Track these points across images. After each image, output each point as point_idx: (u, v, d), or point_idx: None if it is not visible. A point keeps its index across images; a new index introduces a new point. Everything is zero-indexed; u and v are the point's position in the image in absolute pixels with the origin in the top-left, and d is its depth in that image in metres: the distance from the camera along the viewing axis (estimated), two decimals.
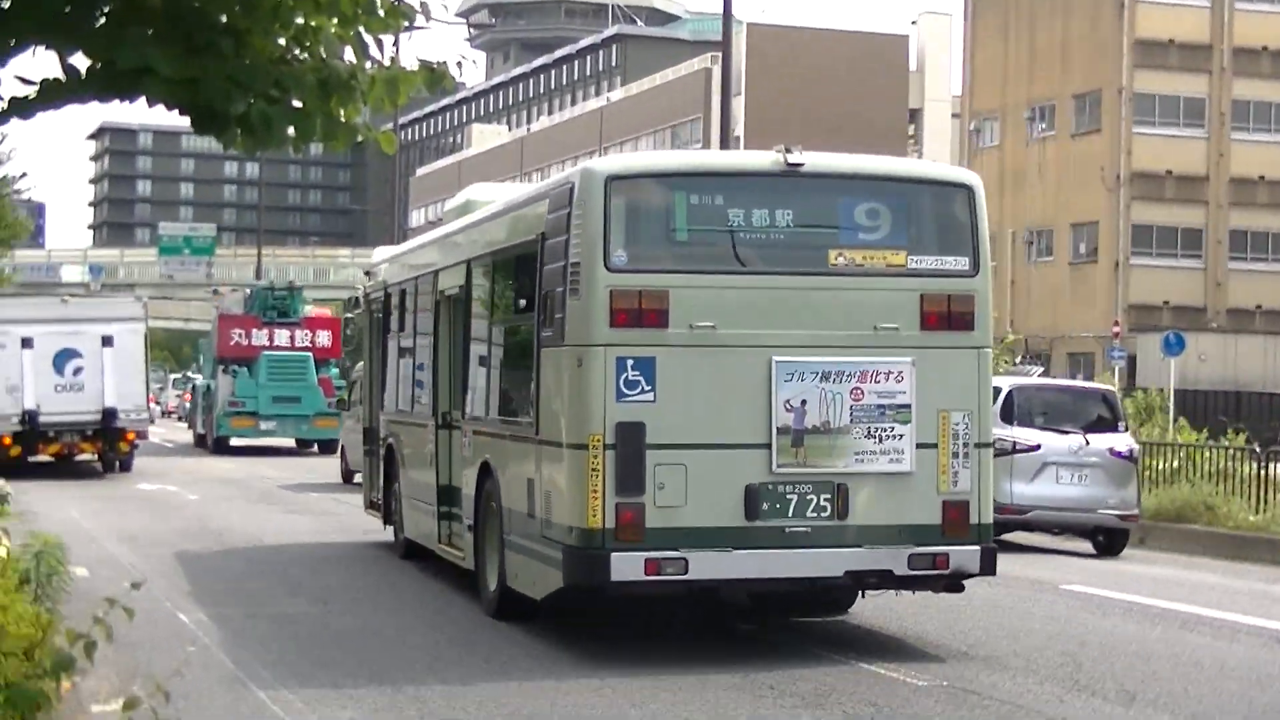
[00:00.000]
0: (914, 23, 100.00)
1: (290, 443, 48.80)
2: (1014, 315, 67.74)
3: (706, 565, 12.47)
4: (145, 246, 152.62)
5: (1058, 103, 70.23)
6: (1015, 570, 19.51)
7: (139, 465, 37.56)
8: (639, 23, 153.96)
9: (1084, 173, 68.18)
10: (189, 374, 74.91)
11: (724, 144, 34.49)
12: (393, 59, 8.12)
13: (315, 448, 47.33)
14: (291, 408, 46.48)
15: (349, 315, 29.69)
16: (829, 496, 12.70)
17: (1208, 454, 26.03)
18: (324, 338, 47.81)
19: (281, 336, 48.04)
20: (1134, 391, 40.39)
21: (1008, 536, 22.79)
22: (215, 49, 7.48)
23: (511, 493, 14.29)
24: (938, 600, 15.97)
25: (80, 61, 7.62)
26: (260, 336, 47.87)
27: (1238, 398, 53.47)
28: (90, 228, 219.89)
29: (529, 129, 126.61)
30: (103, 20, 7.59)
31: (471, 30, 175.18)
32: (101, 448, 36.25)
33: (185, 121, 7.99)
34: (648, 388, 12.43)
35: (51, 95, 7.67)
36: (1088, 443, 22.42)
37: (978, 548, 13.03)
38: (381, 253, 23.90)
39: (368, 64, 7.95)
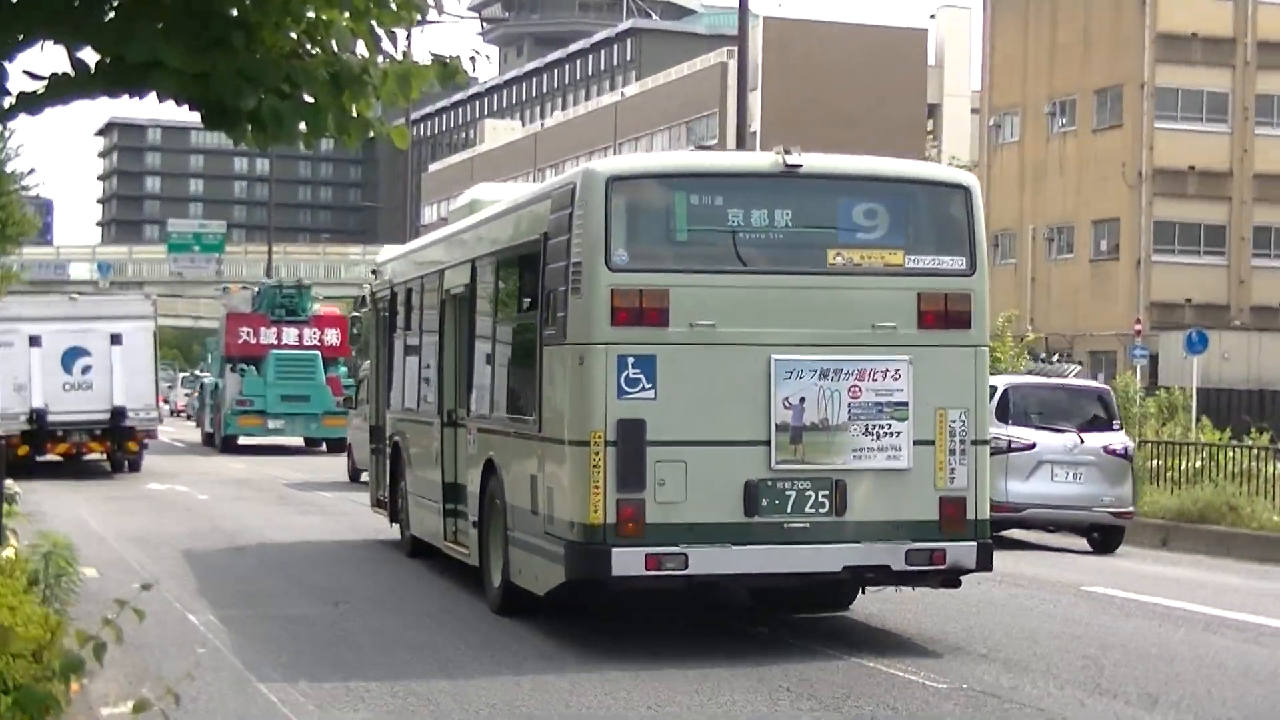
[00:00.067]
0: (932, 16, 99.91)
1: (299, 441, 48.96)
2: (1034, 313, 67.68)
3: (706, 560, 12.78)
4: (154, 244, 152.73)
5: (1079, 97, 70.12)
6: (1036, 571, 19.52)
7: (148, 465, 37.63)
8: (654, 17, 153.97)
9: (1105, 168, 68.07)
10: (197, 372, 74.96)
11: (740, 139, 34.47)
12: (405, 53, 8.12)
13: (324, 446, 47.46)
14: (300, 406, 46.61)
15: (356, 314, 29.89)
16: (827, 493, 13.01)
17: (1231, 454, 26.00)
18: (332, 336, 47.90)
19: (290, 335, 48.17)
20: (1156, 390, 40.33)
21: (1011, 534, 23.23)
22: (226, 43, 7.47)
23: (515, 489, 14.60)
24: (956, 602, 16.00)
25: (89, 56, 7.63)
26: (268, 335, 48.01)
27: (1261, 397, 53.30)
28: (99, 225, 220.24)
29: (542, 124, 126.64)
30: (112, 14, 7.59)
31: (484, 24, 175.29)
32: (110, 447, 36.31)
33: (195, 117, 7.99)
34: (648, 385, 12.75)
35: (60, 90, 7.67)
36: (1082, 441, 22.84)
37: (974, 544, 13.33)
38: (388, 252, 24.25)
39: (380, 58, 7.94)
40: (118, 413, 35.54)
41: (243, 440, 48.21)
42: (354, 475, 34.06)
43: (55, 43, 7.63)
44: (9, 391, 35.10)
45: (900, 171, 14.23)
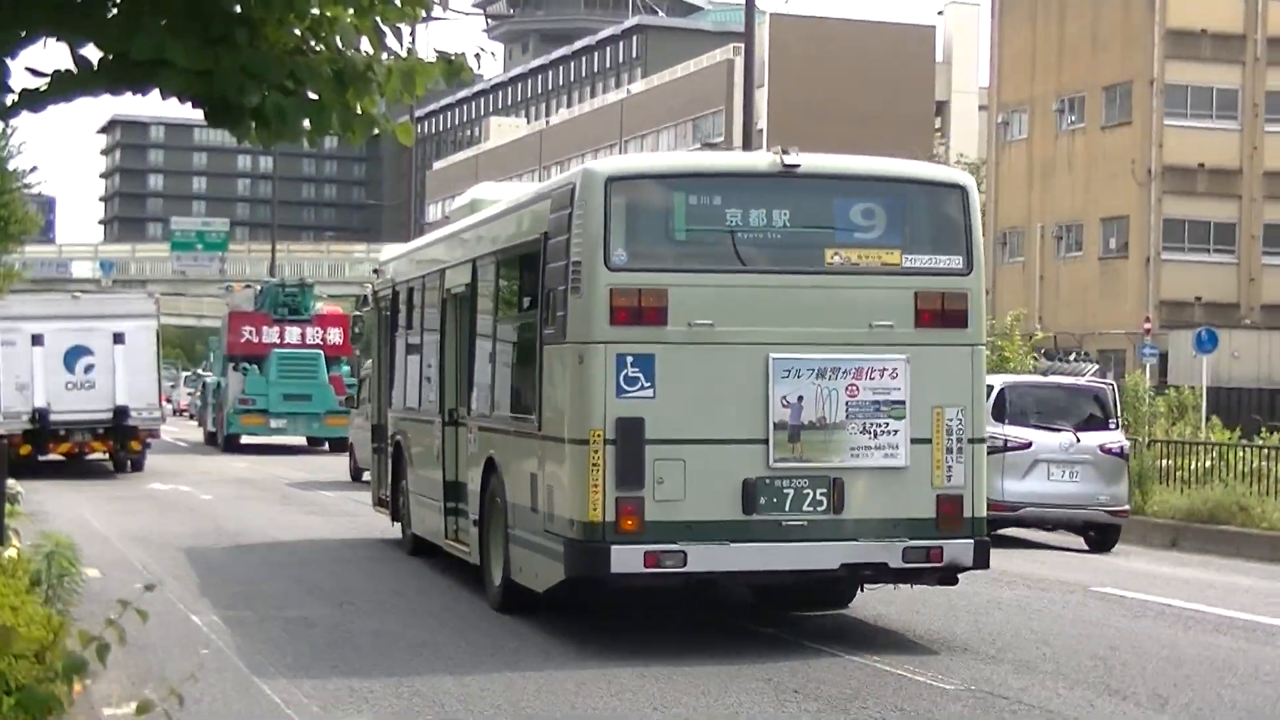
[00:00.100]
0: (940, 13, 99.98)
1: (301, 441, 49.04)
2: (1042, 311, 67.64)
3: (705, 558, 12.96)
4: (157, 242, 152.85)
5: (1087, 94, 70.05)
6: (1044, 572, 19.51)
7: (151, 464, 37.63)
8: (660, 13, 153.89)
9: (1114, 166, 68.01)
10: (199, 371, 75.01)
11: (746, 137, 34.45)
12: (410, 50, 8.11)
13: (326, 446, 47.51)
14: (302, 405, 46.69)
15: (358, 313, 30.01)
16: (825, 491, 13.20)
17: (1241, 453, 25.97)
18: (335, 335, 47.96)
19: (292, 334, 48.26)
20: (1166, 389, 40.29)
21: (1010, 533, 23.44)
22: (230, 40, 7.47)
23: (515, 488, 14.79)
24: (965, 602, 16.00)
25: (92, 53, 7.62)
26: (271, 334, 48.10)
27: (1272, 396, 53.24)
28: (101, 223, 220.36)
29: (548, 122, 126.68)
30: (115, 11, 7.59)
31: (489, 21, 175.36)
32: (113, 447, 36.30)
33: (198, 114, 7.99)
34: (647, 384, 12.94)
35: (63, 87, 7.67)
36: (1078, 440, 23.10)
37: (971, 541, 13.49)
38: (390, 251, 24.48)
39: (384, 55, 7.95)
40: (120, 412, 35.53)
41: (245, 439, 48.27)
42: (355, 475, 34.14)
43: (58, 39, 7.63)
44: (11, 390, 35.10)
45: (897, 171, 14.38)
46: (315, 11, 7.80)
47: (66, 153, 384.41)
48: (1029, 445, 22.93)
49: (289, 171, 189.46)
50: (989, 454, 14.70)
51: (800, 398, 13.17)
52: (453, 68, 8.10)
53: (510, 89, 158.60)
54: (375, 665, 12.61)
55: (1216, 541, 23.31)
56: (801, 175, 13.53)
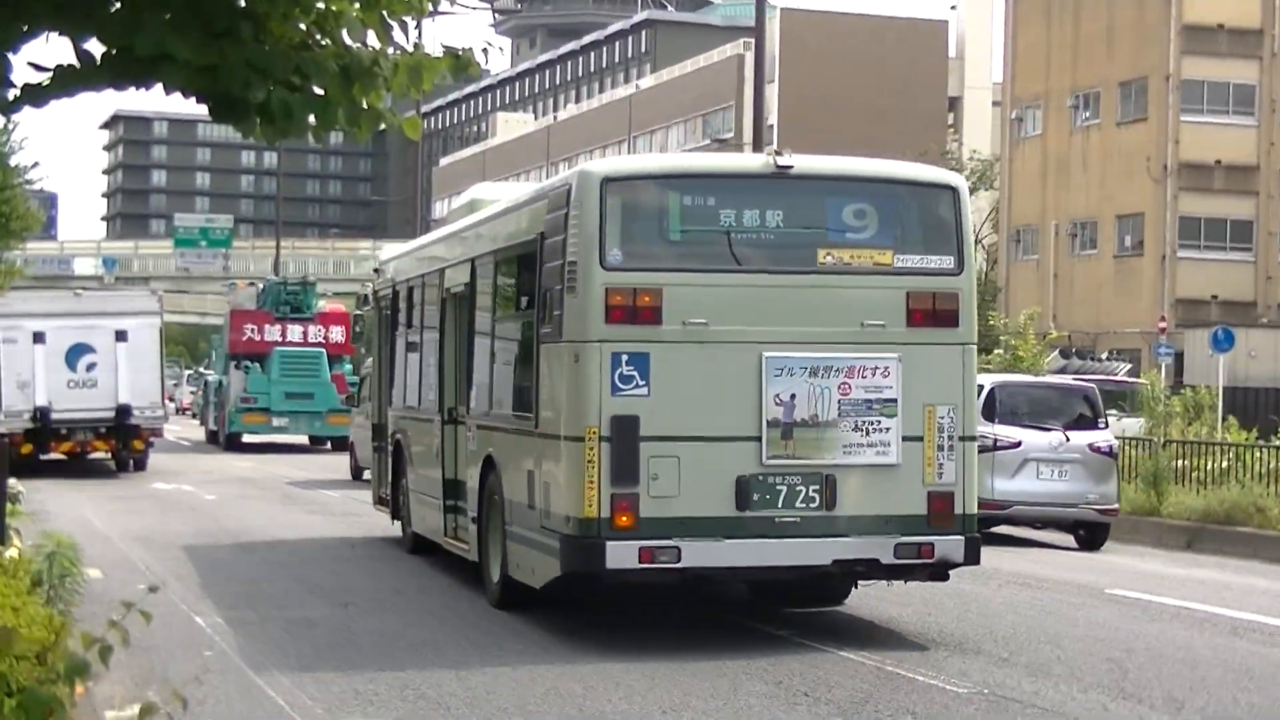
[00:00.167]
0: (953, 7, 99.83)
1: (303, 439, 49.16)
2: (1057, 310, 67.57)
3: (699, 554, 13.29)
4: (160, 238, 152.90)
5: (1102, 90, 69.98)
6: (1056, 574, 19.50)
7: (154, 464, 37.68)
8: (669, 8, 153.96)
9: (1129, 162, 67.94)
10: (201, 370, 75.11)
11: (757, 133, 34.46)
12: (416, 44, 8.11)
13: (328, 445, 47.60)
14: (304, 404, 46.85)
15: (359, 312, 30.15)
16: (818, 487, 13.51)
17: (1258, 454, 25.93)
18: (337, 333, 48.09)
19: (294, 332, 48.43)
20: (1181, 389, 40.24)
21: (1006, 531, 23.83)
22: (234, 34, 7.47)
23: (513, 485, 15.12)
24: (977, 604, 16.01)
25: (95, 48, 7.62)
26: (273, 332, 48.27)
27: None
28: (103, 219, 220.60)
29: (556, 117, 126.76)
30: (118, 5, 7.58)
31: (496, 15, 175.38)
32: (115, 446, 36.33)
33: (201, 110, 7.99)
34: (642, 382, 13.28)
35: (65, 82, 7.67)
36: (1068, 439, 23.49)
37: (962, 538, 13.81)
38: (390, 250, 24.95)
39: (391, 50, 7.94)
40: (123, 411, 35.54)
41: (247, 438, 48.43)
42: (356, 473, 34.28)
43: (61, 34, 7.63)
44: (12, 389, 35.13)
45: (889, 172, 14.70)
46: (321, 5, 7.80)
47: (69, 148, 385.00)
48: (1019, 444, 23.33)
49: (294, 168, 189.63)
50: (979, 453, 14.92)
51: (793, 396, 13.49)
52: (460, 63, 8.09)
53: (518, 84, 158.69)
54: (379, 666, 12.63)
55: (1233, 543, 23.29)
56: (794, 176, 13.87)
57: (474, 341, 17.06)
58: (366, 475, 26.74)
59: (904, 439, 13.65)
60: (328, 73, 7.74)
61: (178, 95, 7.75)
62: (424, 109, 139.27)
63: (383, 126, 8.13)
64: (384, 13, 7.91)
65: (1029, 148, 73.87)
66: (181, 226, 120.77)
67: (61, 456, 36.45)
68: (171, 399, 63.58)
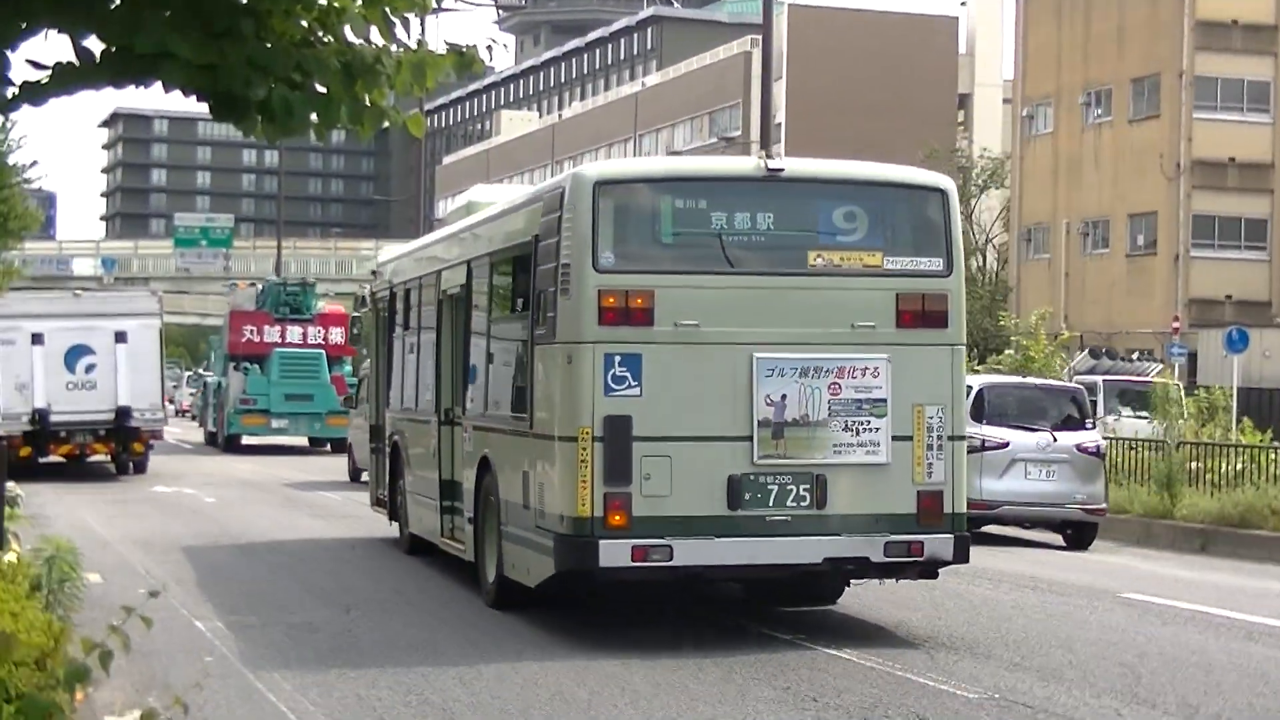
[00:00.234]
0: (964, 4, 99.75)
1: (302, 441, 49.29)
2: (1068, 310, 67.51)
3: (691, 552, 13.59)
4: (160, 238, 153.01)
5: (1115, 87, 69.91)
6: (1069, 577, 19.49)
7: (154, 466, 37.68)
8: (675, 4, 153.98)
9: (1142, 160, 67.87)
10: (200, 371, 75.19)
11: (764, 131, 34.39)
12: (420, 41, 8.10)
13: (328, 446, 47.68)
14: (304, 405, 47.00)
15: (356, 314, 30.29)
16: (808, 487, 13.82)
17: (1273, 456, 25.91)
18: (337, 334, 48.18)
19: (294, 333, 48.58)
20: (1195, 390, 40.21)
21: (994, 530, 24.27)
22: (235, 32, 7.46)
23: (508, 485, 15.42)
24: (988, 607, 16.01)
25: (95, 45, 7.61)
26: (272, 333, 48.41)
27: None
28: (103, 219, 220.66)
29: (560, 115, 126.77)
30: (118, 2, 7.59)
31: (500, 12, 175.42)
32: (115, 448, 36.31)
33: (202, 107, 7.99)
34: (634, 383, 13.59)
35: (64, 80, 7.66)
36: (1055, 439, 23.99)
37: (951, 536, 14.11)
38: (388, 252, 25.38)
39: (394, 47, 7.94)
40: (122, 413, 35.53)
41: (246, 440, 48.57)
42: (354, 475, 34.37)
43: (60, 31, 7.63)
44: (11, 391, 35.10)
45: (879, 175, 15.03)
46: (323, 2, 7.80)
47: (67, 147, 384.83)
48: (1006, 445, 23.84)
49: (295, 166, 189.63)
50: (967, 453, 15.07)
51: (784, 396, 13.78)
52: (464, 60, 8.10)
53: (522, 82, 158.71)
54: (381, 671, 12.64)
55: (1247, 546, 23.27)
56: (785, 179, 14.26)
57: (470, 343, 17.40)
58: (365, 477, 26.88)
59: (893, 439, 13.94)
60: (330, 70, 7.74)
61: (178, 93, 7.74)
62: (427, 107, 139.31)
63: (385, 125, 8.13)
64: (387, 9, 7.91)
65: (1040, 145, 73.81)
66: (182, 226, 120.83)
67: (60, 459, 36.41)
68: (171, 401, 63.60)
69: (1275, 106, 67.99)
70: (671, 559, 13.49)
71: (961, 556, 14.22)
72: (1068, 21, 72.47)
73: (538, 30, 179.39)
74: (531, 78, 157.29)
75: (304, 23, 7.85)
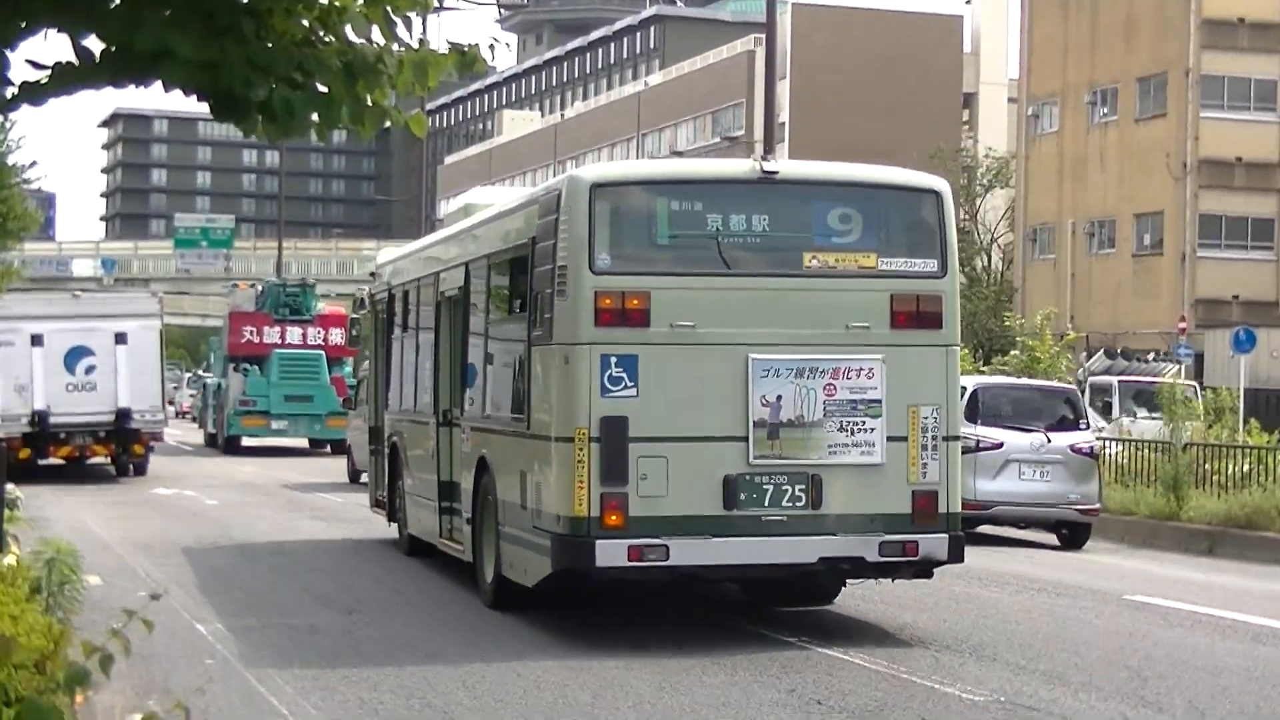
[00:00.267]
0: (968, 2, 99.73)
1: (303, 443, 49.32)
2: (1074, 310, 67.49)
3: (687, 552, 13.75)
4: (160, 239, 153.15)
5: (1121, 86, 69.88)
6: (1075, 579, 19.48)
7: (154, 468, 37.69)
8: (678, 3, 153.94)
9: (1148, 160, 67.83)
10: (200, 372, 75.26)
11: (768, 131, 34.41)
12: (421, 40, 8.11)
13: (328, 448, 47.73)
14: (304, 407, 47.09)
15: (355, 316, 30.37)
16: (804, 487, 13.99)
17: None
18: (337, 335, 48.19)
19: (294, 334, 48.65)
20: (1203, 391, 40.21)
21: (1001, 531, 24.54)
22: (236, 31, 7.46)
23: (506, 486, 15.60)
24: (994, 610, 16.01)
25: (94, 45, 7.61)
26: (272, 334, 48.48)
27: None
28: (102, 219, 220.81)
29: (563, 115, 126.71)
30: (118, 1, 7.59)
31: (502, 11, 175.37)
32: (115, 450, 36.31)
33: (202, 107, 7.98)
34: (631, 384, 13.76)
35: (64, 80, 7.66)
36: (1049, 440, 24.27)
37: (946, 536, 14.28)
38: (386, 254, 25.61)
39: (395, 46, 7.94)
40: (123, 414, 35.53)
41: (246, 441, 48.62)
42: (354, 477, 34.43)
43: (59, 30, 7.62)
44: (10, 393, 35.08)
45: (873, 177, 15.20)
46: (324, 1, 7.80)
47: (67, 147, 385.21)
48: (1001, 445, 24.10)
49: (296, 166, 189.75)
50: (962, 454, 15.28)
51: (779, 397, 13.95)
52: (465, 59, 8.10)
53: (524, 81, 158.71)
54: (383, 674, 12.64)
55: (1255, 548, 23.25)
56: (780, 181, 14.44)
57: (468, 344, 17.59)
58: (364, 478, 26.98)
59: (888, 439, 14.11)
60: (331, 70, 7.74)
61: (178, 93, 7.74)
62: (428, 107, 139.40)
63: (387, 124, 8.13)
64: (388, 8, 7.90)
65: (1045, 145, 73.78)
66: (182, 227, 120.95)
67: (60, 461, 36.41)
68: (172, 402, 63.65)
69: None
70: (668, 559, 13.65)
71: (956, 556, 14.40)
72: (1073, 19, 72.46)
73: (540, 29, 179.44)
74: (534, 77, 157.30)
75: (305, 22, 7.84)
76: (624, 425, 13.64)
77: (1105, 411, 40.96)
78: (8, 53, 7.61)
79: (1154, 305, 66.80)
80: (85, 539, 20.87)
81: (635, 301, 13.78)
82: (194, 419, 68.43)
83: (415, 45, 8.08)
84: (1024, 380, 27.13)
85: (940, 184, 14.96)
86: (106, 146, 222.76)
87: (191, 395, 76.10)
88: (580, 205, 13.87)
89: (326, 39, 7.91)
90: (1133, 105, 69.31)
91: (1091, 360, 49.42)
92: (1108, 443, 28.98)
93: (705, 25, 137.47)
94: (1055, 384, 27.87)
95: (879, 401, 14.08)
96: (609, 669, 12.88)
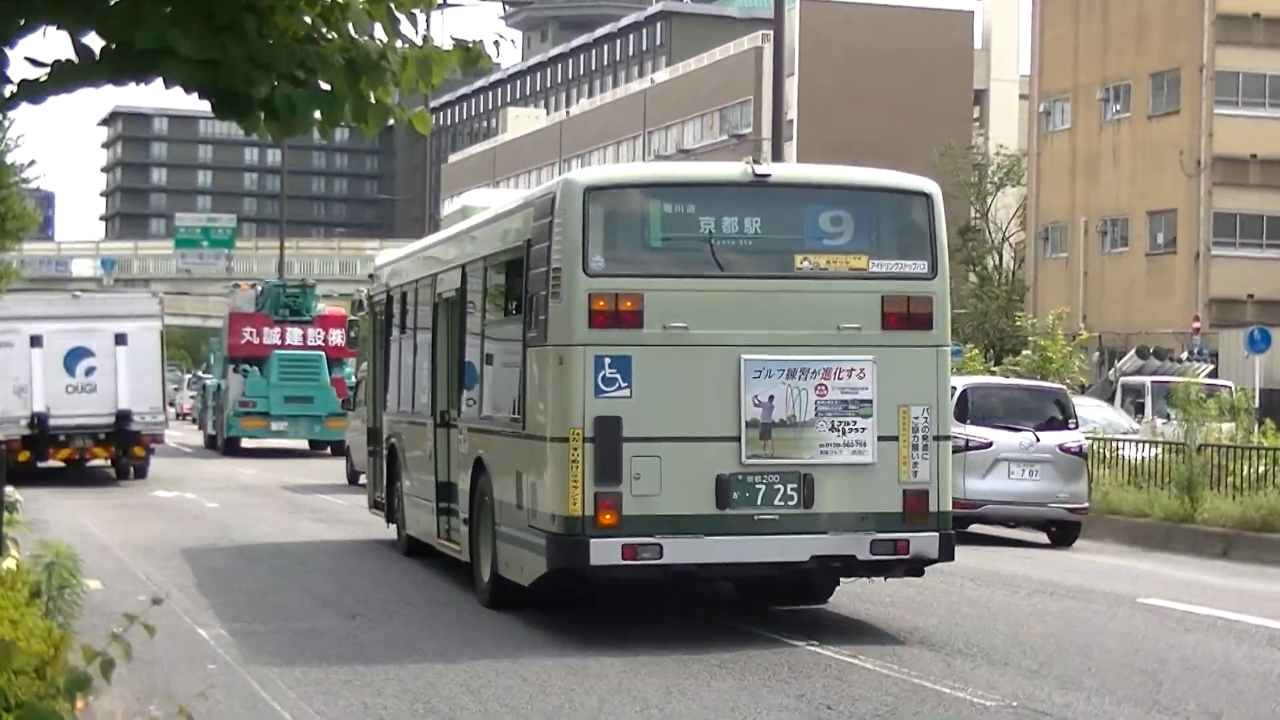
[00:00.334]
0: None
1: (303, 444, 49.38)
2: (1087, 309, 67.50)
3: (680, 551, 14.06)
4: (160, 238, 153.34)
5: (1133, 82, 69.87)
6: (1087, 582, 19.47)
7: (155, 470, 37.70)
8: None
9: (1161, 157, 67.81)
10: (200, 373, 75.36)
11: (775, 128, 34.38)
12: (425, 37, 8.11)
13: (328, 449, 47.78)
14: (303, 408, 47.20)
15: (353, 317, 30.47)
16: (795, 486, 14.28)
17: None
18: (337, 336, 48.23)
19: (293, 335, 48.75)
20: (1217, 391, 40.16)
21: (993, 530, 24.90)
22: (237, 28, 7.46)
23: (502, 486, 15.91)
24: (1006, 614, 16.01)
25: (94, 42, 7.61)
26: (272, 335, 48.58)
27: None
28: (102, 219, 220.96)
29: (568, 112, 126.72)
30: None
31: (507, 7, 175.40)
32: (115, 452, 36.32)
33: (203, 105, 7.98)
34: (624, 384, 14.05)
35: (63, 78, 7.66)
36: (1038, 439, 24.64)
37: (937, 534, 14.59)
38: (384, 256, 25.78)
39: (399, 43, 7.94)
40: (123, 416, 35.54)
41: (245, 443, 48.68)
42: (353, 478, 34.48)
43: (59, 28, 7.62)
44: (9, 394, 35.08)
45: (864, 180, 15.43)
46: None
47: (66, 146, 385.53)
48: (990, 445, 24.48)
49: (298, 165, 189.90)
50: (952, 453, 15.41)
51: (771, 397, 14.23)
52: (470, 56, 8.10)
53: (529, 78, 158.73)
54: (386, 678, 12.66)
55: (1271, 550, 23.21)
56: (772, 184, 14.78)
57: (465, 346, 17.90)
58: (363, 479, 27.07)
59: (879, 439, 14.39)
60: (334, 67, 7.74)
61: (179, 91, 7.74)
62: (433, 104, 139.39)
63: (390, 122, 8.13)
64: (391, 5, 7.90)
65: (1057, 142, 73.78)
66: (183, 226, 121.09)
67: (60, 464, 36.42)
68: (172, 404, 63.71)
69: None
70: (661, 557, 13.93)
71: (946, 554, 14.65)
72: (1085, 15, 72.43)
73: (545, 26, 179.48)
74: (539, 74, 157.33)
75: (307, 18, 7.84)
76: (618, 425, 13.92)
77: (1138, 412, 41.02)
78: (7, 50, 7.61)
79: (1167, 304, 66.78)
80: (85, 542, 20.89)
81: (629, 303, 14.05)
82: (194, 420, 68.52)
83: (419, 42, 8.08)
84: (1013, 380, 27.63)
85: (930, 186, 15.20)
86: (106, 145, 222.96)
87: (192, 396, 76.21)
88: (574, 208, 14.16)
89: (329, 36, 7.91)
90: (1146, 102, 69.29)
91: (1124, 360, 49.34)
92: (1123, 444, 28.98)
93: (712, 21, 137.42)
94: (1045, 385, 28.42)
95: (870, 402, 14.36)
96: (613, 671, 12.89)
